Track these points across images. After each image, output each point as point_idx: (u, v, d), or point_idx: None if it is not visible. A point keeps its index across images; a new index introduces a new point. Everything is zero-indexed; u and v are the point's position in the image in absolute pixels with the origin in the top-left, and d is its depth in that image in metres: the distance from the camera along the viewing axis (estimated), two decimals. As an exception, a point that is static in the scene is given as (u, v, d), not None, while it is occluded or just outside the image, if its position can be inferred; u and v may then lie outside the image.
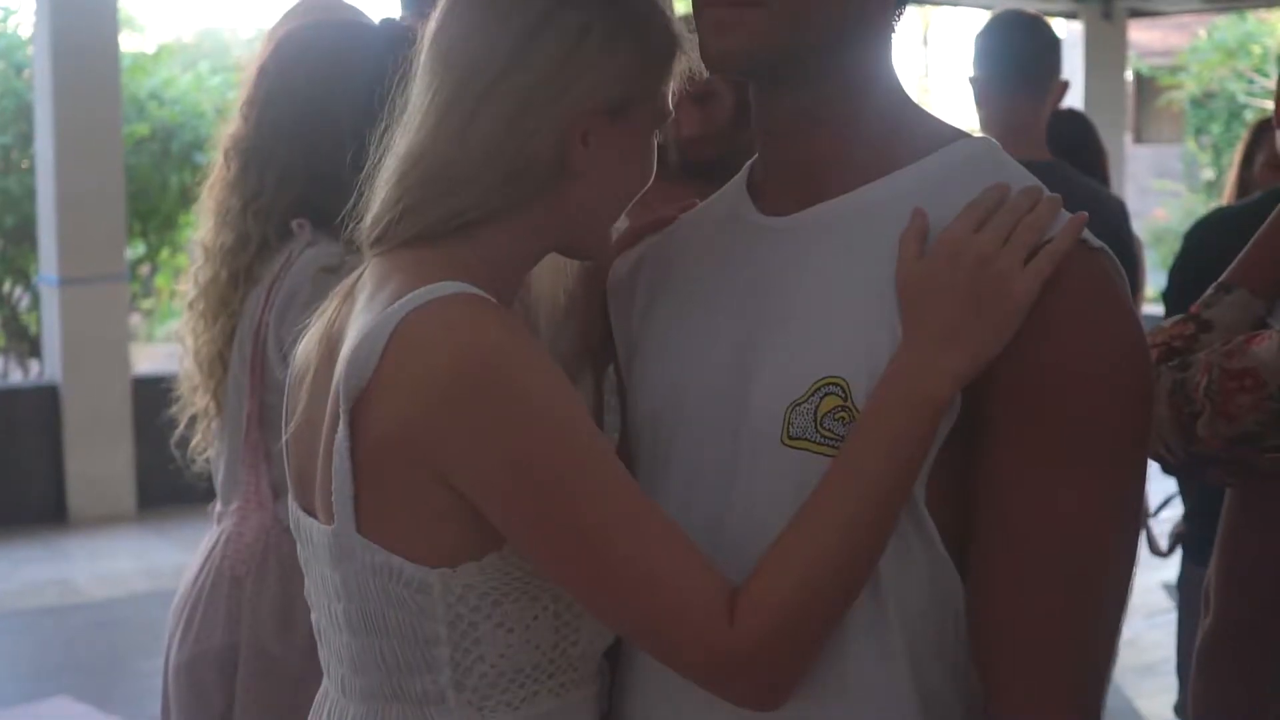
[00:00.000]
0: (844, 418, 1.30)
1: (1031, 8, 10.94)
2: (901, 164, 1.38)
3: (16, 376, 10.02)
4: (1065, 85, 3.56)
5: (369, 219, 1.44)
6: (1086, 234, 1.31)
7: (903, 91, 1.44)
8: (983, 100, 3.49)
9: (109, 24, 8.02)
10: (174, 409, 2.46)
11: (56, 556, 7.38)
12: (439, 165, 1.39)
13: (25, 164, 9.51)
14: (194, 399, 2.43)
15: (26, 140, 9.22)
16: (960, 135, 1.42)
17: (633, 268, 1.58)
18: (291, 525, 1.48)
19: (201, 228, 2.44)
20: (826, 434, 1.30)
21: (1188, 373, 1.75)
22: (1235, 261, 1.93)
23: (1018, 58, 3.44)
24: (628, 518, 1.28)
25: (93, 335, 7.86)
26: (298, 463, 1.47)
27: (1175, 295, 2.96)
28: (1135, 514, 1.32)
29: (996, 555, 1.29)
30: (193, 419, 2.45)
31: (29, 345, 10.08)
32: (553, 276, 1.59)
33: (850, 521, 1.26)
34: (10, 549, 7.47)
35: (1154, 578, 5.91)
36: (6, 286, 10.21)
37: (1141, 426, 1.31)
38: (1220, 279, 1.93)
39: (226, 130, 2.43)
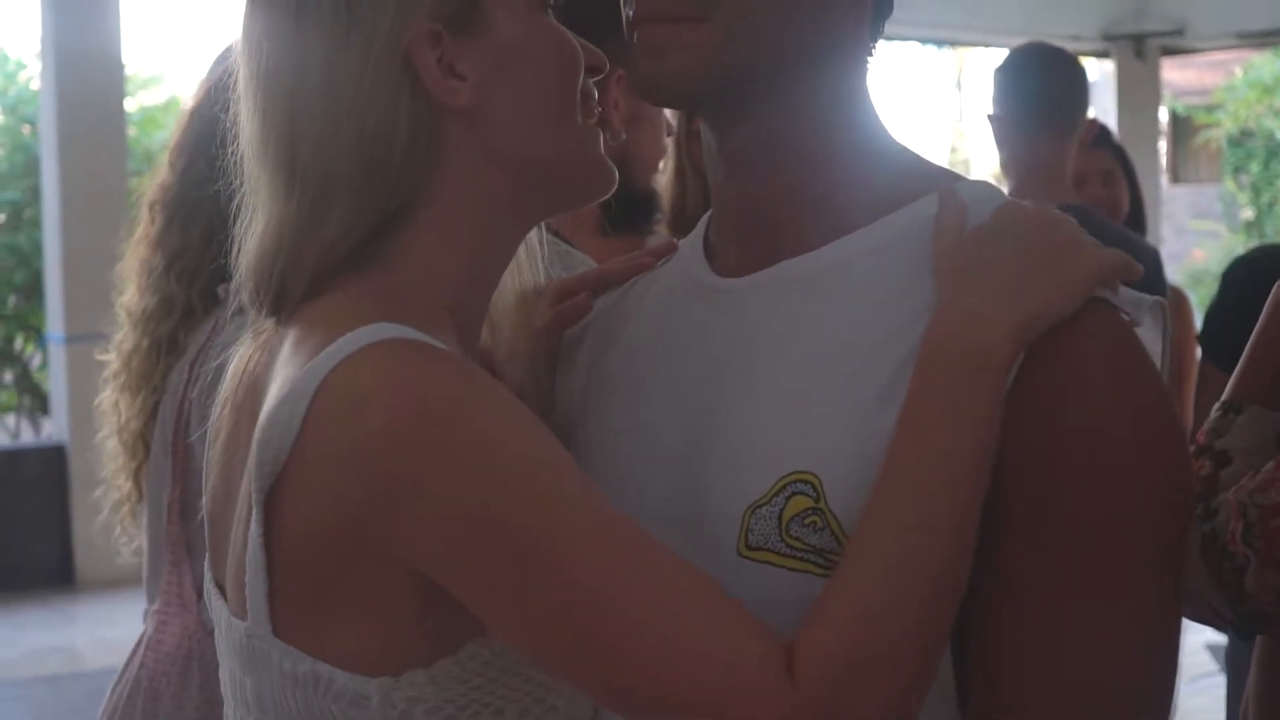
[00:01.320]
0: (815, 522, 1.07)
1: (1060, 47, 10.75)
2: (881, 212, 1.16)
3: (28, 436, 9.90)
4: (1094, 124, 3.32)
5: (247, 295, 1.22)
6: (1109, 294, 1.10)
7: (882, 127, 1.22)
8: (1004, 140, 3.28)
9: (115, 79, 7.98)
10: (98, 492, 2.24)
11: (62, 622, 7.25)
12: (293, 200, 1.18)
13: (35, 219, 9.38)
14: (117, 482, 2.20)
15: (36, 195, 9.14)
16: (952, 177, 1.20)
17: (579, 333, 1.36)
18: (205, 598, 1.27)
19: (125, 290, 2.22)
20: (793, 543, 1.08)
21: (1217, 520, 1.50)
22: (1235, 374, 1.70)
23: (1041, 94, 3.22)
24: (640, 575, 1.03)
25: (100, 393, 7.66)
26: (215, 530, 1.25)
27: (1214, 337, 2.82)
28: (1170, 624, 1.09)
29: (1002, 662, 1.06)
30: (117, 504, 2.22)
31: (41, 404, 9.96)
32: (518, 317, 1.36)
33: (916, 525, 1.02)
34: (16, 614, 7.35)
35: (1197, 639, 5.67)
36: (18, 344, 10.13)
37: (1175, 519, 1.08)
38: (1224, 398, 1.69)
39: (153, 180, 2.21)
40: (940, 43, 13.89)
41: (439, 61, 1.18)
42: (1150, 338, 1.13)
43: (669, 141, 2.32)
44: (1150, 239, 4.64)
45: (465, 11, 1.19)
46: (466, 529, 1.04)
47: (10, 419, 10.08)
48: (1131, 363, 1.08)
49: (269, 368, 1.18)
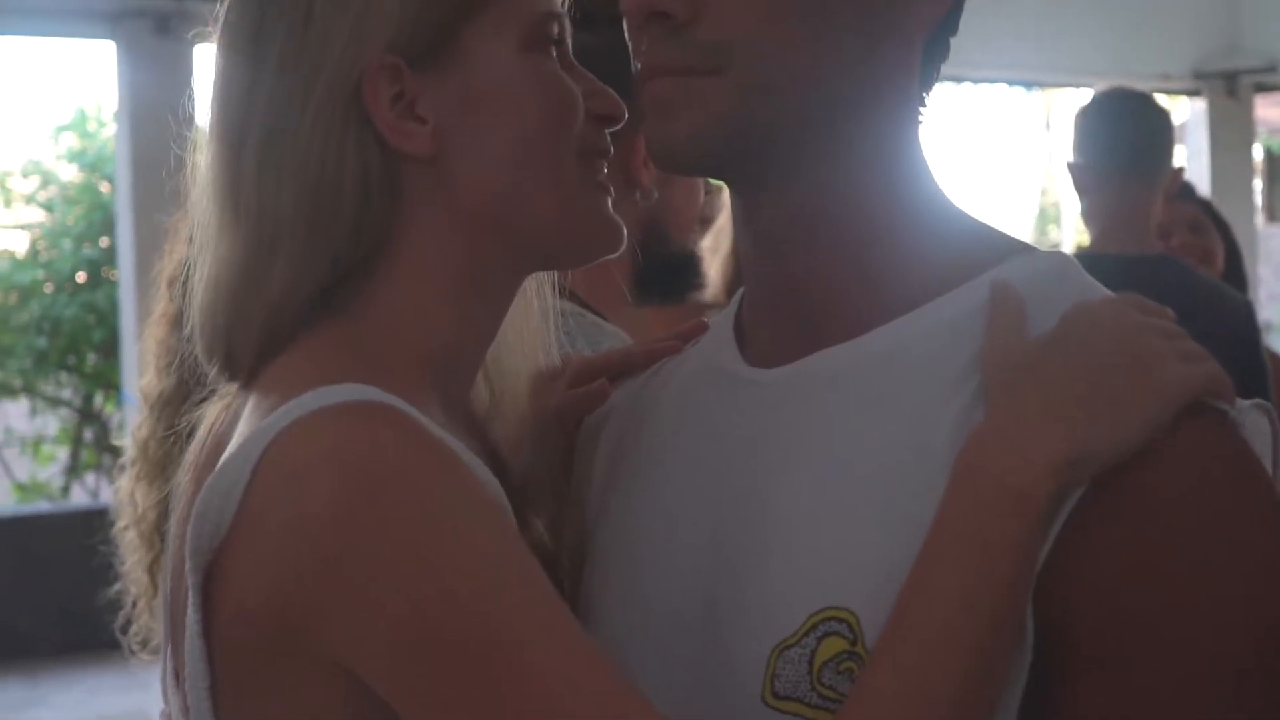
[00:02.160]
0: (851, 669, 0.92)
1: (1149, 87, 10.55)
2: (935, 291, 1.00)
3: (107, 495, 9.88)
4: (1179, 172, 3.15)
5: (199, 353, 1.10)
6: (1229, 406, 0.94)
7: (936, 191, 1.06)
8: (1085, 188, 3.13)
9: (189, 137, 7.89)
10: (115, 588, 2.12)
11: (134, 685, 7.03)
12: (236, 248, 1.06)
13: (114, 277, 9.41)
14: (134, 575, 2.08)
15: (114, 253, 9.15)
16: (1019, 250, 1.04)
17: (599, 421, 1.21)
18: (162, 689, 1.17)
19: (144, 373, 2.10)
20: (826, 693, 0.93)
21: None
22: None
23: (1123, 140, 3.07)
24: (597, 713, 0.90)
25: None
26: (173, 611, 1.12)
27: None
28: None
29: None
30: (135, 600, 2.10)
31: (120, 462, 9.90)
32: (529, 397, 1.23)
33: (919, 683, 0.88)
34: (88, 675, 7.26)
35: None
36: (98, 402, 10.12)
37: None
38: None
39: (171, 257, 2.09)
40: (1027, 84, 13.69)
41: (396, 99, 1.04)
42: (1255, 443, 0.95)
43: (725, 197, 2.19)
44: (1248, 281, 4.42)
45: (434, 43, 1.05)
46: (406, 634, 0.91)
47: (90, 477, 10.09)
48: (1238, 485, 0.92)
49: (230, 429, 1.05)
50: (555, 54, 1.12)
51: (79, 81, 19.50)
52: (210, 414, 1.13)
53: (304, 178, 1.03)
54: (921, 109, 1.06)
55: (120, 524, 2.14)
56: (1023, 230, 20.93)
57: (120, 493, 2.16)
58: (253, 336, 1.05)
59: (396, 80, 1.04)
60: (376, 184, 1.04)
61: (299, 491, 0.93)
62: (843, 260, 1.03)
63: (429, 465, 0.94)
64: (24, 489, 10.03)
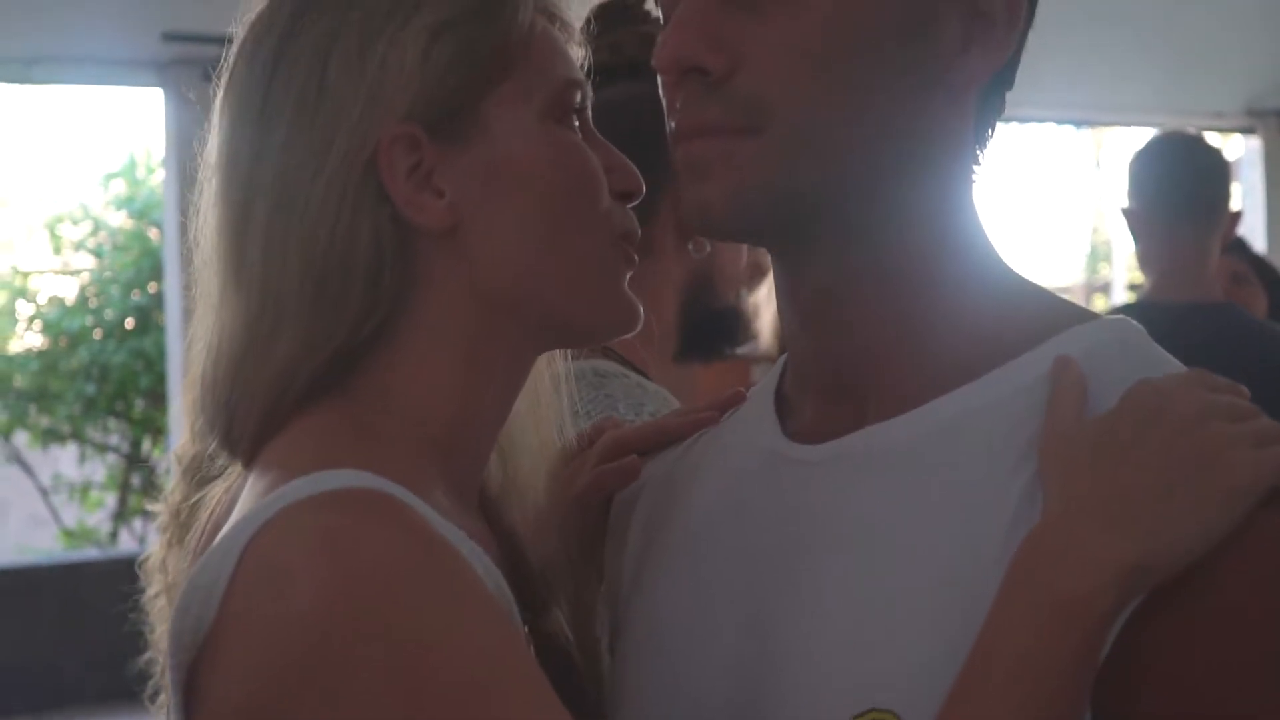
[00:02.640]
0: None
1: (1202, 124, 10.44)
2: (990, 364, 0.94)
3: (155, 541, 9.87)
4: (1237, 216, 3.08)
5: (202, 427, 1.07)
6: None
7: (991, 254, 1.00)
8: (1141, 234, 3.06)
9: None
10: (144, 659, 2.06)
11: (180, 734, 7.10)
12: (240, 316, 1.01)
13: (162, 324, 9.42)
14: (162, 645, 2.02)
15: (163, 300, 9.17)
16: (1079, 317, 0.97)
17: (633, 496, 1.16)
18: None
19: (180, 435, 2.05)
20: None
21: None
22: None
23: (1178, 185, 3.00)
24: None
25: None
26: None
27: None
28: None
29: None
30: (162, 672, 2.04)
31: (169, 508, 9.90)
32: (551, 477, 1.18)
33: None
34: (129, 725, 7.22)
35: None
36: (145, 448, 10.09)
37: None
38: None
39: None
40: (1077, 123, 13.60)
41: (413, 170, 0.99)
42: None
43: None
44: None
45: (454, 113, 1.01)
46: None
47: (137, 523, 10.08)
48: None
49: (227, 516, 1.00)
50: (577, 123, 1.07)
51: (128, 129, 19.67)
52: (214, 494, 1.09)
53: (313, 249, 0.99)
54: (976, 167, 1.00)
55: (151, 591, 2.09)
56: (1074, 268, 20.76)
57: (152, 559, 2.11)
58: (254, 412, 1.01)
59: (414, 150, 1.00)
60: (389, 258, 1.00)
61: (282, 589, 0.88)
62: (891, 330, 0.97)
63: (419, 563, 0.89)
64: (72, 535, 10.02)
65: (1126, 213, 3.07)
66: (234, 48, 1.08)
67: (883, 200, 0.96)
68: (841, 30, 0.92)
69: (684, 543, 1.08)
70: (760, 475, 1.04)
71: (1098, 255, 21.21)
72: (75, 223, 10.35)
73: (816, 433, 1.01)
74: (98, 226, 10.29)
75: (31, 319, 10.17)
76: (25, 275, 10.61)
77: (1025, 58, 1.01)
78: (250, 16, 1.08)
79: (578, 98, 1.08)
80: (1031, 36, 1.01)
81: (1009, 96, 1.03)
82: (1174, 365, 0.96)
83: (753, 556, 1.01)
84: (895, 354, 0.98)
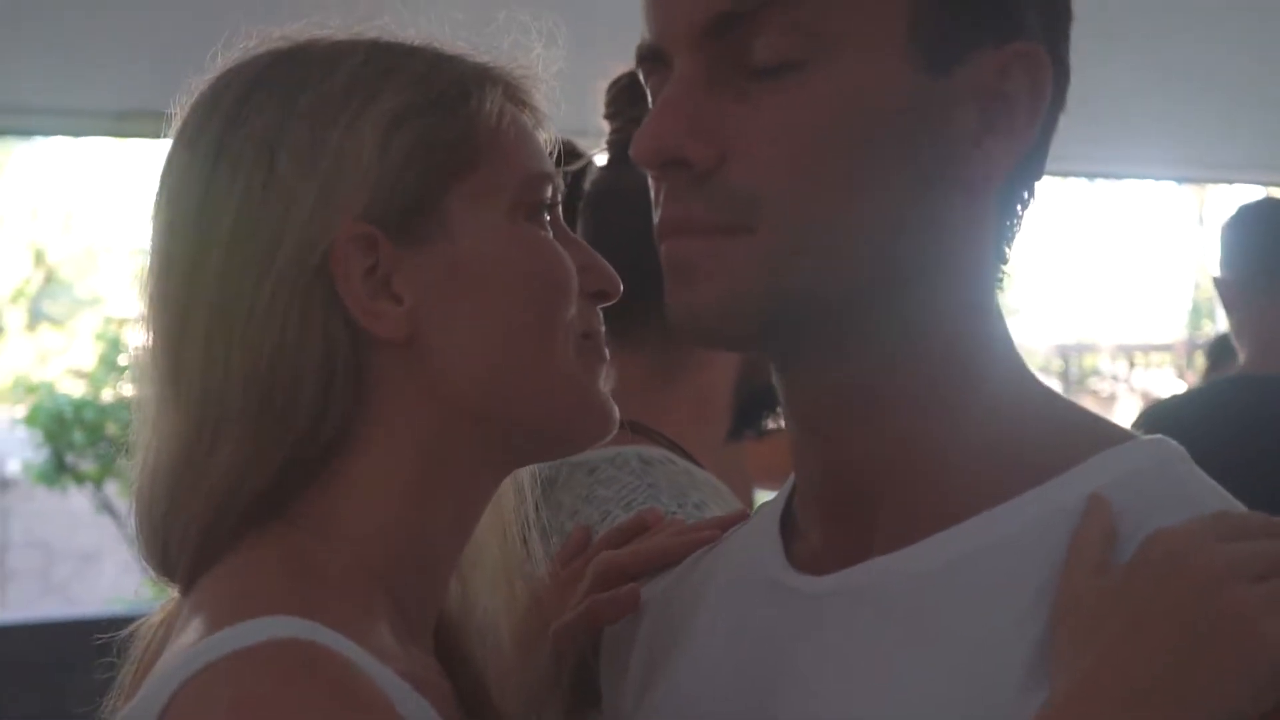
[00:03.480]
0: None
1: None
2: (1011, 490, 0.85)
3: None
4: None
5: (138, 546, 0.99)
6: None
7: (1020, 366, 0.90)
8: (1233, 305, 2.97)
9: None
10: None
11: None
12: (176, 426, 0.93)
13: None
14: None
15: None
16: (1111, 439, 0.87)
17: (632, 619, 1.08)
18: None
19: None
20: None
21: None
22: None
23: (1271, 253, 2.88)
24: None
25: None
26: None
27: None
28: None
29: None
30: None
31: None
32: (523, 615, 1.11)
33: None
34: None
35: None
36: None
37: None
38: None
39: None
40: (1179, 179, 13.41)
41: (369, 274, 0.91)
42: None
43: None
44: None
45: (414, 209, 0.92)
46: None
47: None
48: None
49: (163, 647, 0.94)
50: (549, 219, 0.99)
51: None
52: (149, 625, 1.02)
53: (257, 360, 0.90)
54: (1001, 266, 0.90)
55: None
56: (1175, 326, 20.42)
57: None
58: (190, 535, 0.93)
59: (370, 251, 0.92)
60: (341, 370, 0.91)
61: None
62: (898, 451, 0.88)
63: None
64: (158, 584, 10.10)
65: (1219, 283, 2.97)
66: (173, 130, 1.00)
67: (889, 307, 0.87)
68: (840, 118, 0.84)
69: (688, 670, 1.00)
70: (763, 605, 0.96)
71: (1200, 312, 20.88)
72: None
73: (822, 560, 0.93)
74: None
75: (124, 369, 10.25)
76: (120, 324, 10.70)
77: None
78: (191, 97, 1.01)
79: (549, 192, 1.00)
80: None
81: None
82: (1217, 495, 0.86)
83: (754, 690, 0.93)
84: (904, 476, 0.89)
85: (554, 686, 1.11)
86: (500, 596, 1.10)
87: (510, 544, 1.10)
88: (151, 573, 1.00)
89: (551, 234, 1.01)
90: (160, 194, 0.99)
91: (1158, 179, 11.51)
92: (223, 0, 4.24)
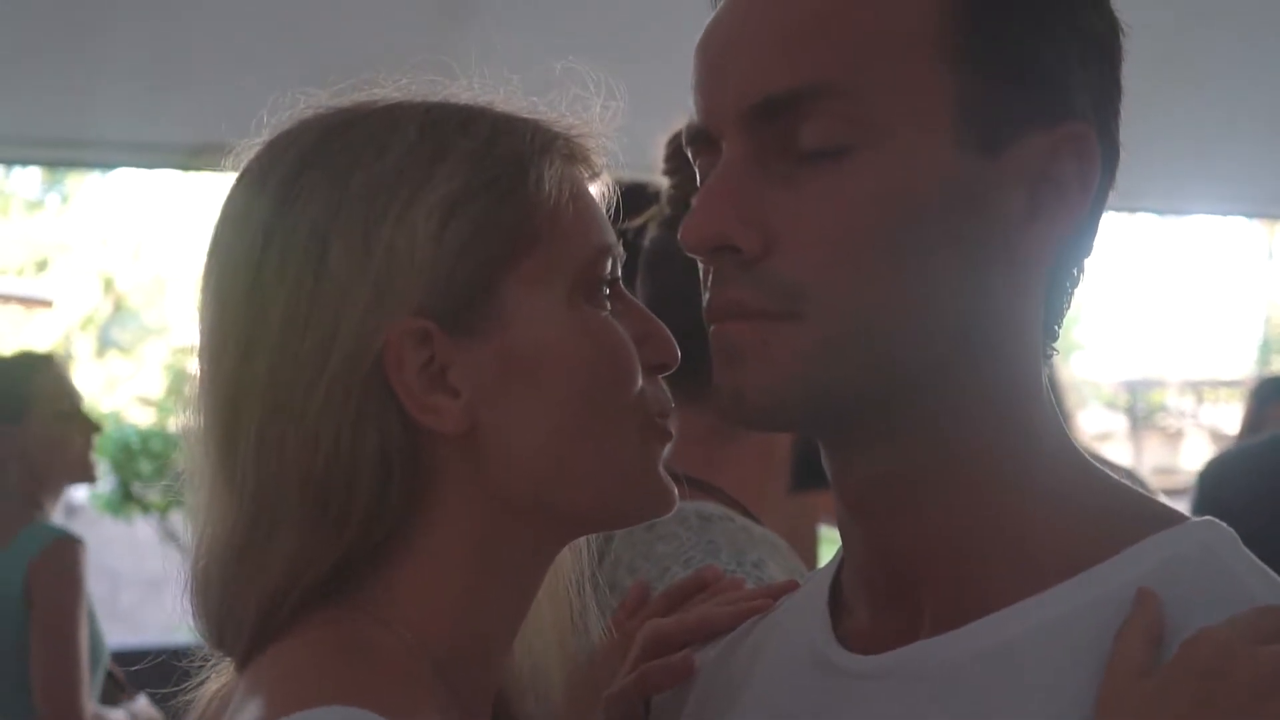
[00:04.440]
0: None
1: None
2: (1058, 574, 0.84)
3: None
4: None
5: (195, 622, 0.97)
6: None
7: (1068, 447, 0.89)
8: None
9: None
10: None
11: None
12: (230, 516, 0.92)
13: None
14: None
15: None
16: (1159, 521, 0.86)
17: (682, 689, 1.07)
18: None
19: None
20: None
21: None
22: None
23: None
24: None
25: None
26: None
27: None
28: None
29: None
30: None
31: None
32: (575, 682, 1.11)
33: None
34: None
35: None
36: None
37: None
38: None
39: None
40: (1249, 215, 13.30)
41: (425, 367, 0.88)
42: None
43: None
44: None
45: (470, 304, 0.89)
46: None
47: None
48: None
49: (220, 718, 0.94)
50: (609, 293, 0.96)
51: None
52: (209, 689, 1.01)
53: (312, 458, 0.88)
54: (1050, 345, 0.89)
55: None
56: (1245, 362, 20.19)
57: None
58: (247, 621, 0.92)
59: (425, 346, 0.89)
60: (397, 466, 0.89)
61: None
62: (945, 536, 0.87)
63: None
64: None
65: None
66: (221, 204, 0.98)
67: (936, 392, 0.87)
68: (887, 205, 0.83)
69: None
70: (809, 681, 0.95)
71: (1270, 348, 20.66)
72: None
73: (870, 639, 0.92)
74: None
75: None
76: (188, 353, 10.77)
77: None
78: (238, 168, 0.98)
79: (608, 267, 0.97)
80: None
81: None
82: (1266, 582, 0.85)
83: None
84: (949, 559, 0.89)
85: None
86: (554, 657, 1.09)
87: (564, 605, 1.09)
88: (211, 649, 1.00)
89: (610, 306, 0.98)
90: (210, 267, 0.97)
91: (1227, 215, 11.42)
92: (291, 39, 4.28)
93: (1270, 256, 21.13)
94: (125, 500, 10.12)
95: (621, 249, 1.00)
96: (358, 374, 0.89)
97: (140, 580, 15.23)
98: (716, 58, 0.88)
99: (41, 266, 17.95)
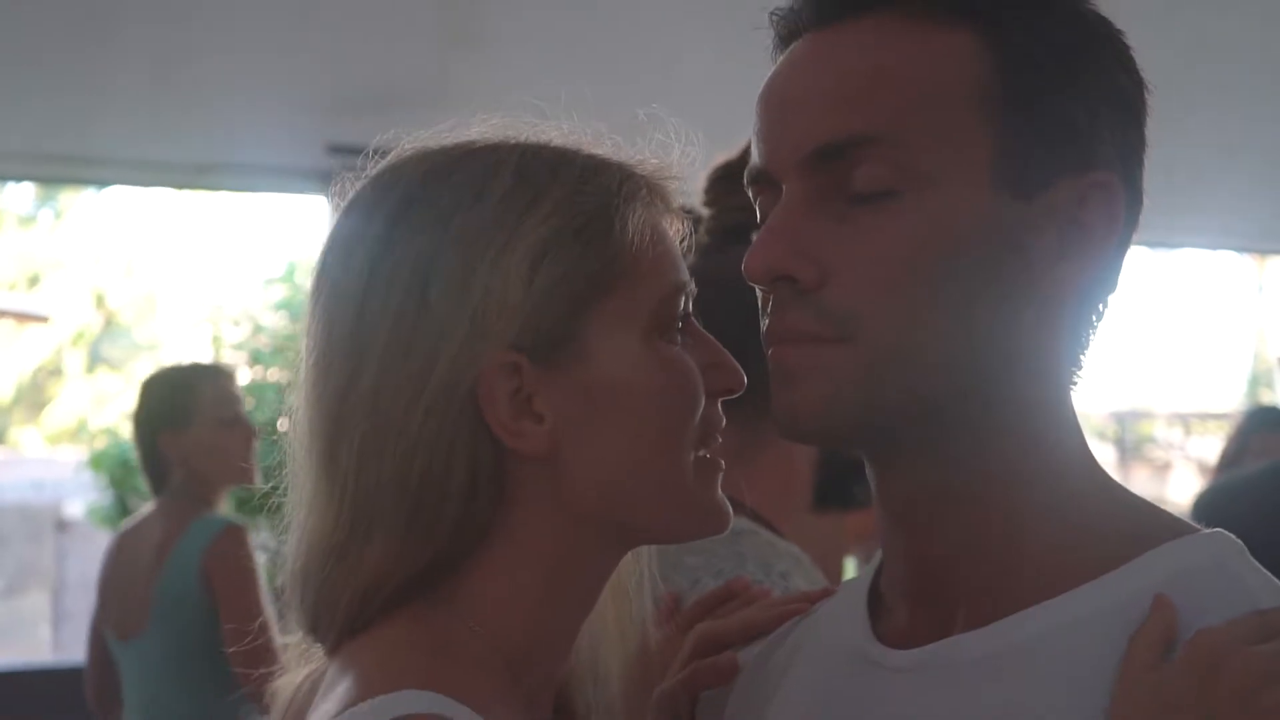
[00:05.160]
0: None
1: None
2: (1079, 578, 0.93)
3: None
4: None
5: (291, 610, 1.06)
6: None
7: (1090, 463, 0.98)
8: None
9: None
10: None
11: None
12: (330, 517, 1.00)
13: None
14: None
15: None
16: (1176, 531, 0.95)
17: (724, 687, 1.17)
18: None
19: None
20: None
21: None
22: None
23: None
24: None
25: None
26: None
27: None
28: None
29: None
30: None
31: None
32: (629, 676, 1.19)
33: None
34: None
35: None
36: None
37: None
38: None
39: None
40: (1239, 249, 13.40)
41: (514, 395, 0.97)
42: None
43: None
44: None
45: (556, 339, 0.98)
46: None
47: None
48: None
49: (308, 705, 1.03)
50: (681, 326, 1.04)
51: (290, 235, 20.08)
52: (294, 676, 1.09)
53: (408, 474, 0.97)
54: (1076, 371, 0.97)
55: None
56: (1234, 394, 20.30)
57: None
58: (340, 612, 1.01)
59: (514, 376, 0.98)
60: (484, 482, 0.98)
61: None
62: (979, 541, 0.96)
63: None
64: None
65: (1282, 362, 3.01)
66: (330, 230, 1.06)
67: (970, 413, 0.95)
68: (931, 243, 0.92)
69: None
70: (848, 677, 1.03)
71: (1259, 382, 20.79)
72: (235, 325, 10.54)
73: (907, 636, 1.00)
74: (257, 329, 10.46)
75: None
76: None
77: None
78: (345, 198, 1.07)
79: (682, 304, 1.06)
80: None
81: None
82: (1272, 589, 0.92)
83: None
84: (983, 564, 0.97)
85: None
86: (614, 651, 1.17)
87: (625, 603, 1.17)
88: (303, 636, 1.07)
89: (682, 341, 1.06)
90: (318, 288, 1.06)
91: (1217, 249, 11.53)
92: (293, 63, 4.33)
93: (1260, 290, 21.30)
94: (122, 514, 10.15)
95: (693, 285, 1.07)
96: (453, 399, 0.98)
97: (129, 596, 15.25)
98: (778, 109, 0.98)
99: (34, 282, 18.00)
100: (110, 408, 14.92)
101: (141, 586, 3.63)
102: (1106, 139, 0.96)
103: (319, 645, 1.07)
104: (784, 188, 0.97)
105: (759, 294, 1.00)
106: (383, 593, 1.00)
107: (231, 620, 3.39)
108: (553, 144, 1.07)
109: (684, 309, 1.07)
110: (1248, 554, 0.95)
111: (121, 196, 19.39)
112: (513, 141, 1.06)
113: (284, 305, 10.48)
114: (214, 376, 3.86)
